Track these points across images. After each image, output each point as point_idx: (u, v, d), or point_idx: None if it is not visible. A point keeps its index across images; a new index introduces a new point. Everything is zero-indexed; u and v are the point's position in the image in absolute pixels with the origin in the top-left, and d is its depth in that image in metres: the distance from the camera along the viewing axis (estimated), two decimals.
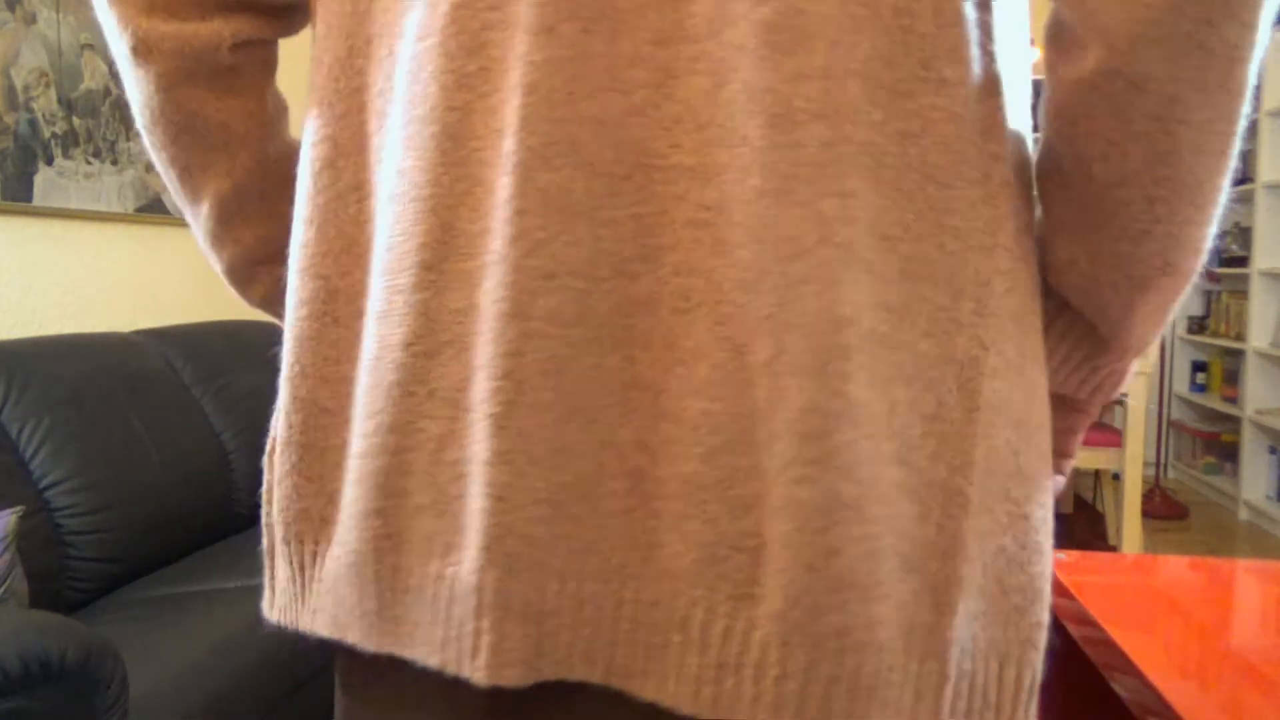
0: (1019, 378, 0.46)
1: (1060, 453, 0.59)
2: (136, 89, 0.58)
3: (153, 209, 2.67)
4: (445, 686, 0.49)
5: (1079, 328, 0.52)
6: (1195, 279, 0.49)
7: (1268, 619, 0.78)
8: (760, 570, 0.42)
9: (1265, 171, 3.90)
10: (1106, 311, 0.50)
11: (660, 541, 0.44)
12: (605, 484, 0.45)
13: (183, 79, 0.57)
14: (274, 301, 0.71)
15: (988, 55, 0.46)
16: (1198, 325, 4.57)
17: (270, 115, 0.64)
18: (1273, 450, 3.92)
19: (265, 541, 0.59)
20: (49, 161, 2.31)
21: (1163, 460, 4.74)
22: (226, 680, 1.53)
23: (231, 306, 3.07)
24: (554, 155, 0.44)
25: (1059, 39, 0.45)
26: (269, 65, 0.63)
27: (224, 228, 0.66)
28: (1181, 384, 4.69)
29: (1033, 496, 0.46)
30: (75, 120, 2.39)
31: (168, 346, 2.43)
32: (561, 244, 0.44)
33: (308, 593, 0.55)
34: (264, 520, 0.58)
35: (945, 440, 0.44)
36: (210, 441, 2.34)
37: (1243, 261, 4.22)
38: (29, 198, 2.25)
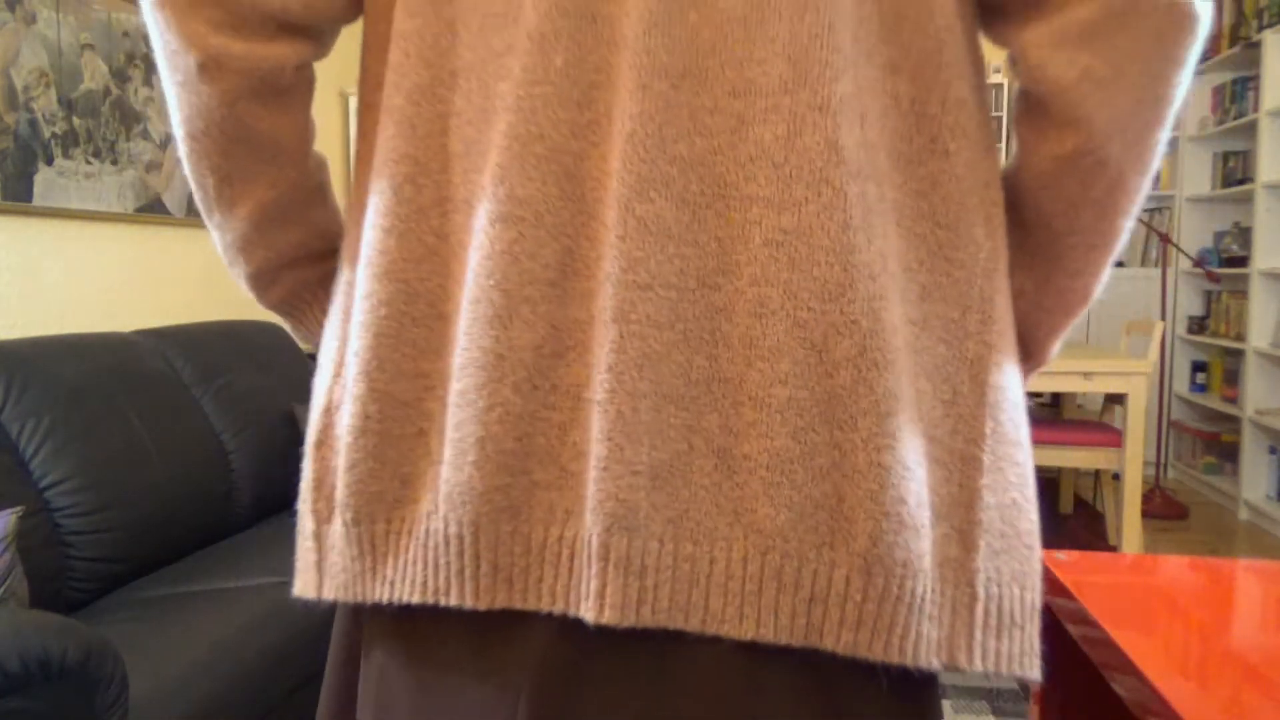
0: (1013, 370, 0.59)
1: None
2: (194, 102, 0.62)
3: (153, 209, 2.67)
4: (477, 649, 0.58)
5: (1043, 297, 0.67)
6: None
7: (1268, 619, 0.78)
8: (841, 520, 0.54)
9: (1265, 171, 3.90)
10: (1036, 332, 0.67)
11: (748, 508, 0.54)
12: (695, 461, 0.55)
13: (246, 95, 0.62)
14: (290, 302, 0.76)
15: (986, 125, 0.60)
16: (1198, 325, 4.57)
17: (311, 132, 0.70)
18: (1273, 450, 3.92)
19: (311, 525, 0.63)
20: (49, 161, 2.31)
21: (1163, 460, 4.74)
22: (226, 680, 1.53)
23: (231, 306, 3.07)
24: (649, 190, 0.54)
25: (1038, 121, 0.59)
26: (312, 86, 0.69)
27: (259, 234, 0.70)
28: (1181, 384, 4.69)
29: (1029, 460, 0.60)
30: (75, 120, 2.39)
31: (168, 346, 2.43)
32: (655, 261, 0.54)
33: (382, 566, 0.59)
34: (309, 507, 0.63)
35: (961, 419, 0.57)
36: (210, 441, 2.34)
37: (1243, 261, 4.22)
38: (29, 198, 2.25)
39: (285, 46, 0.62)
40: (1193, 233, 4.67)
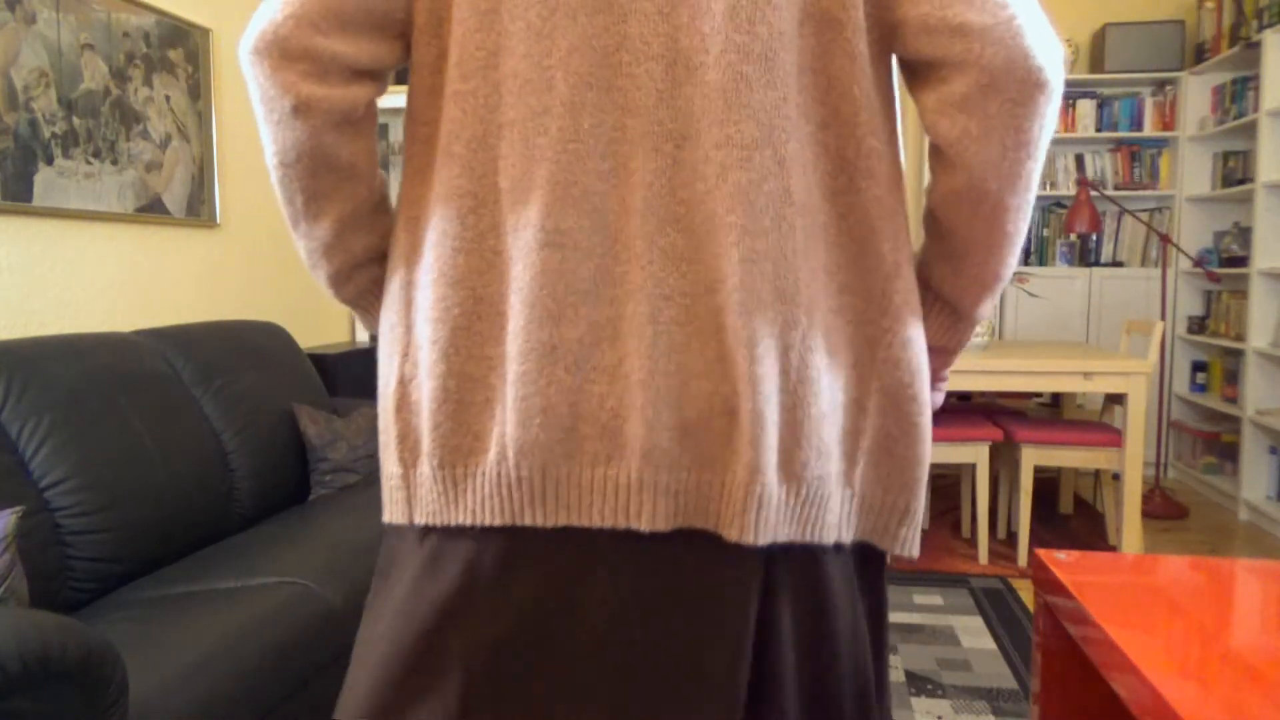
0: (910, 345, 0.83)
1: (938, 378, 0.96)
2: (287, 136, 0.80)
3: (153, 209, 2.67)
4: (541, 554, 0.81)
5: (945, 309, 0.90)
6: (1008, 282, 0.95)
7: (1268, 619, 0.78)
8: (792, 459, 0.79)
9: (1265, 171, 3.90)
10: (961, 303, 0.88)
11: (743, 450, 0.77)
12: (714, 419, 0.78)
13: (329, 129, 0.80)
14: (363, 296, 0.94)
15: (895, 166, 0.82)
16: (1198, 325, 4.57)
17: (377, 155, 0.89)
18: (1273, 450, 3.92)
19: (399, 470, 0.83)
20: (49, 161, 2.31)
21: (1163, 460, 4.74)
22: (226, 680, 1.53)
23: (231, 307, 3.07)
24: (666, 226, 0.78)
25: (936, 162, 0.82)
26: (376, 117, 0.87)
27: (339, 240, 0.88)
28: (1181, 384, 4.69)
29: (920, 409, 0.83)
30: (75, 120, 2.39)
31: (168, 346, 2.43)
32: (673, 279, 0.77)
33: (463, 499, 0.81)
34: (396, 455, 0.83)
35: (860, 378, 0.83)
36: (210, 441, 2.34)
37: (1243, 261, 4.22)
38: (29, 198, 2.25)
39: (359, 89, 0.81)
40: (1193, 233, 4.67)
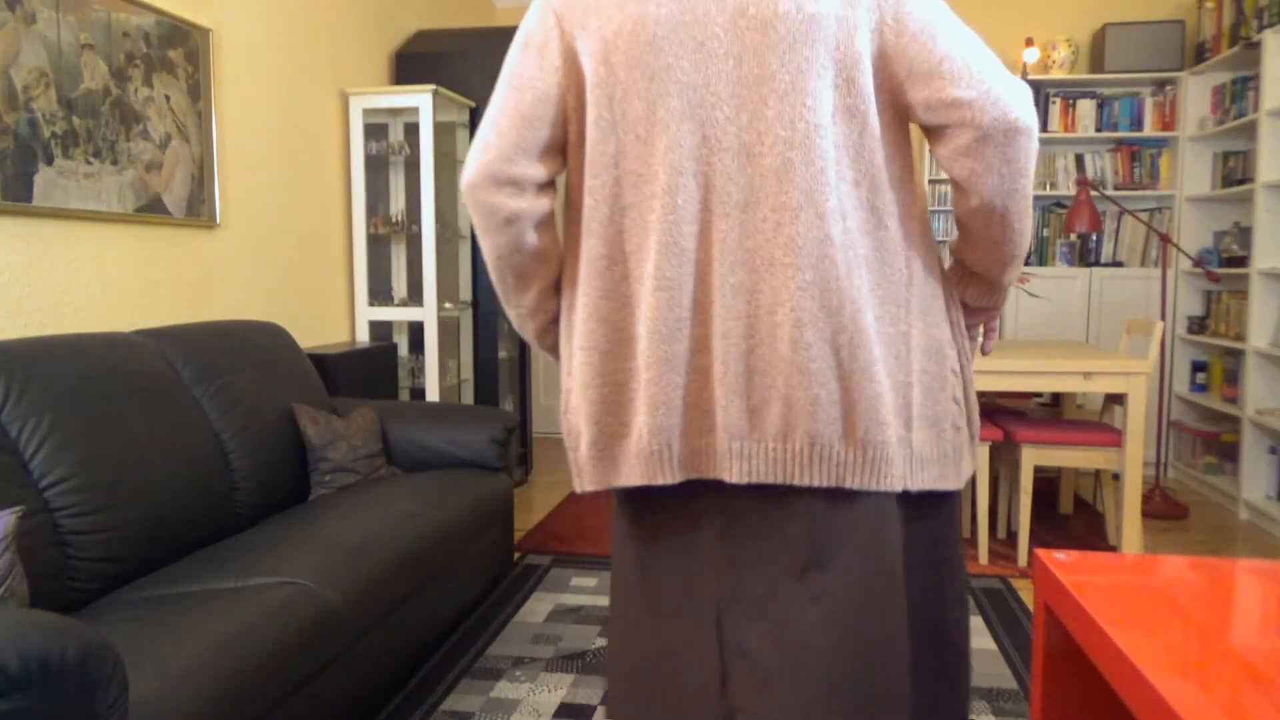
0: (924, 336, 1.16)
1: (990, 328, 1.33)
2: (500, 239, 1.18)
3: (153, 209, 2.67)
4: (680, 499, 1.19)
5: (980, 280, 1.24)
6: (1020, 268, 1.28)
7: (1268, 619, 0.78)
8: (849, 426, 1.11)
9: (1265, 171, 3.89)
10: (991, 273, 1.21)
11: (801, 423, 1.11)
12: (773, 403, 1.11)
13: (530, 229, 1.18)
14: (553, 345, 1.33)
15: (912, 205, 1.15)
16: (1198, 325, 4.57)
17: (560, 243, 1.25)
18: (1273, 450, 3.92)
19: (571, 456, 1.20)
20: (49, 161, 2.31)
21: (1163, 460, 4.73)
22: (226, 680, 1.53)
23: (231, 307, 3.07)
24: (736, 269, 1.10)
25: (957, 191, 1.12)
26: (554, 216, 1.23)
27: (539, 304, 1.26)
28: (1181, 384, 4.69)
29: (946, 386, 1.17)
30: (75, 120, 2.39)
31: (168, 346, 2.43)
32: (740, 305, 1.10)
33: (616, 468, 1.18)
34: (569, 445, 1.21)
35: (900, 364, 1.13)
36: (210, 441, 2.33)
37: (1243, 261, 4.22)
38: (29, 198, 2.25)
39: (545, 198, 1.19)
40: (1193, 233, 4.67)
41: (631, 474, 1.16)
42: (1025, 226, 1.14)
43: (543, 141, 1.16)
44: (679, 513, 1.19)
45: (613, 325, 1.16)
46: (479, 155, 1.16)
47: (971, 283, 1.24)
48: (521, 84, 1.16)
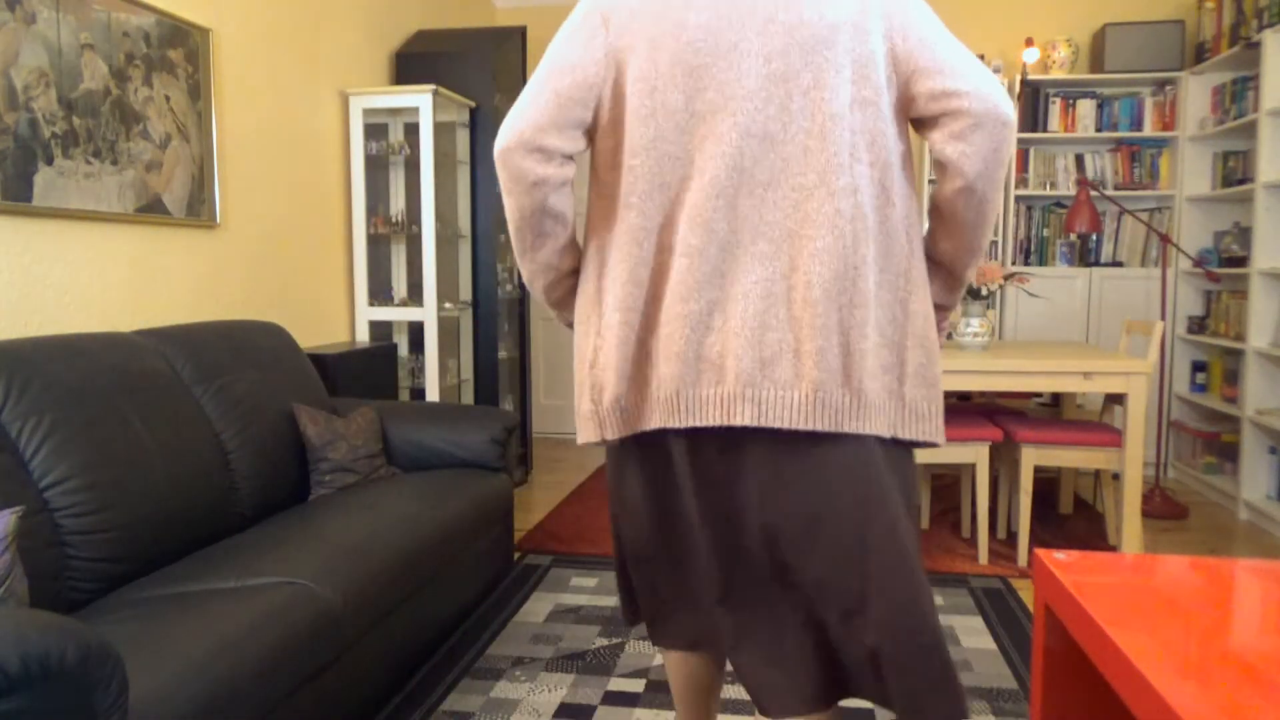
0: (923, 304, 1.30)
1: (941, 327, 1.47)
2: (526, 200, 1.32)
3: (153, 209, 2.67)
4: (673, 449, 1.33)
5: (945, 274, 1.40)
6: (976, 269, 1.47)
7: (1268, 619, 0.78)
8: (848, 376, 1.25)
9: (1265, 171, 3.89)
10: (956, 265, 1.38)
11: (806, 374, 1.24)
12: (784, 355, 1.25)
13: (553, 193, 1.32)
14: (564, 299, 1.47)
15: (911, 186, 1.32)
16: (1198, 325, 4.57)
17: (574, 207, 1.38)
18: (1273, 450, 3.92)
19: (592, 407, 1.34)
20: (49, 161, 2.31)
21: (1163, 460, 4.73)
22: (226, 680, 1.53)
23: (231, 307, 3.07)
24: (759, 239, 1.26)
25: (943, 171, 1.28)
26: (572, 184, 1.37)
27: (557, 260, 1.40)
28: (1181, 384, 4.69)
29: (933, 348, 1.31)
30: (75, 120, 2.39)
31: (168, 346, 2.43)
32: (760, 270, 1.25)
33: (638, 416, 1.32)
34: (590, 396, 1.34)
35: (897, 326, 1.29)
36: (210, 441, 2.33)
37: (1243, 261, 4.22)
38: (29, 198, 2.25)
39: (569, 167, 1.32)
40: (1193, 233, 4.67)
41: (650, 421, 1.31)
42: (993, 217, 1.33)
43: (575, 120, 1.30)
44: (680, 454, 1.33)
45: (646, 290, 1.31)
46: (515, 123, 1.29)
47: (936, 277, 1.42)
48: (564, 67, 1.30)
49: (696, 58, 1.28)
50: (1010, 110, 1.24)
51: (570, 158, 1.32)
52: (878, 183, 1.28)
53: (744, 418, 1.26)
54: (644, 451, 1.37)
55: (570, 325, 1.47)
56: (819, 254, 1.24)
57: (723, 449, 1.30)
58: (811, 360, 1.24)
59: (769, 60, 1.27)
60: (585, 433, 1.35)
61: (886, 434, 1.28)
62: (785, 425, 1.25)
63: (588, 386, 1.34)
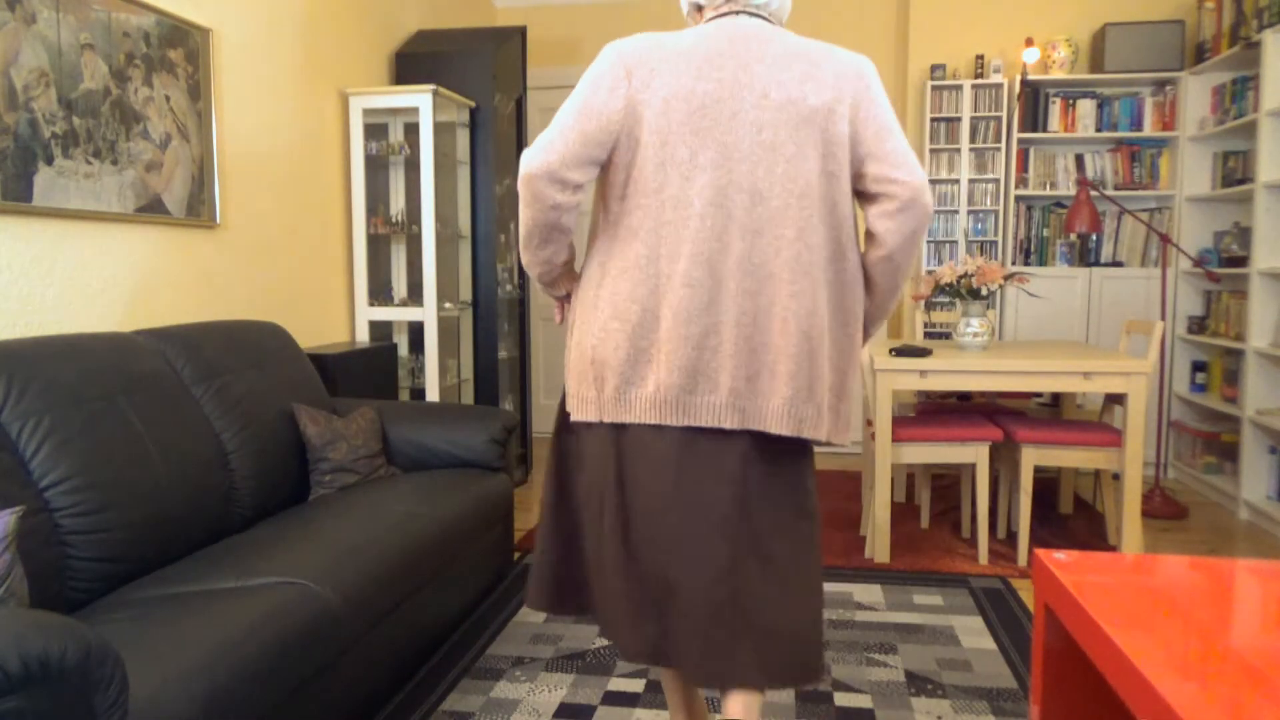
0: (859, 334, 1.64)
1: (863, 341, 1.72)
2: (541, 217, 1.54)
3: (153, 209, 2.67)
4: (654, 435, 1.56)
5: (869, 314, 1.69)
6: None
7: (1268, 619, 0.78)
8: (813, 394, 1.54)
9: (1265, 171, 3.89)
10: (871, 318, 1.70)
11: (781, 389, 1.53)
12: (763, 374, 1.53)
13: (565, 213, 1.54)
14: (554, 283, 1.70)
15: (855, 246, 1.61)
16: (1198, 325, 4.57)
17: (576, 223, 1.84)
18: (1273, 450, 3.92)
19: (595, 394, 1.56)
20: (49, 161, 2.31)
21: (1163, 460, 4.73)
22: (226, 680, 1.53)
23: (231, 306, 3.07)
24: (746, 278, 1.52)
25: (871, 243, 1.60)
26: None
27: (555, 258, 1.63)
28: (1181, 384, 4.69)
29: (858, 369, 1.66)
30: (75, 120, 2.39)
31: (168, 346, 2.43)
32: (749, 305, 1.52)
33: (632, 407, 1.54)
34: (592, 385, 1.56)
35: (842, 354, 1.61)
36: (210, 441, 2.33)
37: (1243, 261, 4.22)
38: (29, 198, 2.25)
39: (581, 194, 1.54)
40: (1193, 233, 4.67)
41: (646, 415, 1.55)
42: (902, 284, 1.66)
43: (593, 158, 1.53)
44: (672, 445, 1.56)
45: (644, 307, 1.54)
46: (543, 154, 1.50)
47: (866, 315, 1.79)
48: (590, 112, 1.51)
49: (702, 121, 1.52)
50: (929, 201, 1.55)
51: (581, 187, 1.54)
52: (835, 240, 1.56)
53: (731, 423, 1.54)
54: (637, 434, 1.57)
55: (555, 297, 1.75)
56: (797, 295, 1.52)
57: (710, 439, 1.56)
58: (785, 379, 1.52)
59: (760, 130, 1.53)
60: (583, 413, 1.59)
61: (823, 439, 1.58)
62: (762, 429, 1.54)
63: (589, 377, 1.58)
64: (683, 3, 1.68)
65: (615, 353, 1.53)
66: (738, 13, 1.59)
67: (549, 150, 1.49)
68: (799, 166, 1.52)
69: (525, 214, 1.56)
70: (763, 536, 1.58)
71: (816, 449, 4.76)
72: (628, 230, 1.55)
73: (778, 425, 1.52)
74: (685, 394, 1.52)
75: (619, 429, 1.58)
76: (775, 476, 1.60)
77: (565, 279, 1.70)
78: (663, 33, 1.59)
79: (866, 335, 1.72)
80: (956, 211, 4.91)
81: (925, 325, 4.75)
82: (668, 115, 1.52)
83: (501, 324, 4.42)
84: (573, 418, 1.60)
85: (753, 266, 1.51)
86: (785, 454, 1.60)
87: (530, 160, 1.50)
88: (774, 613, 1.55)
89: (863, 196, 1.59)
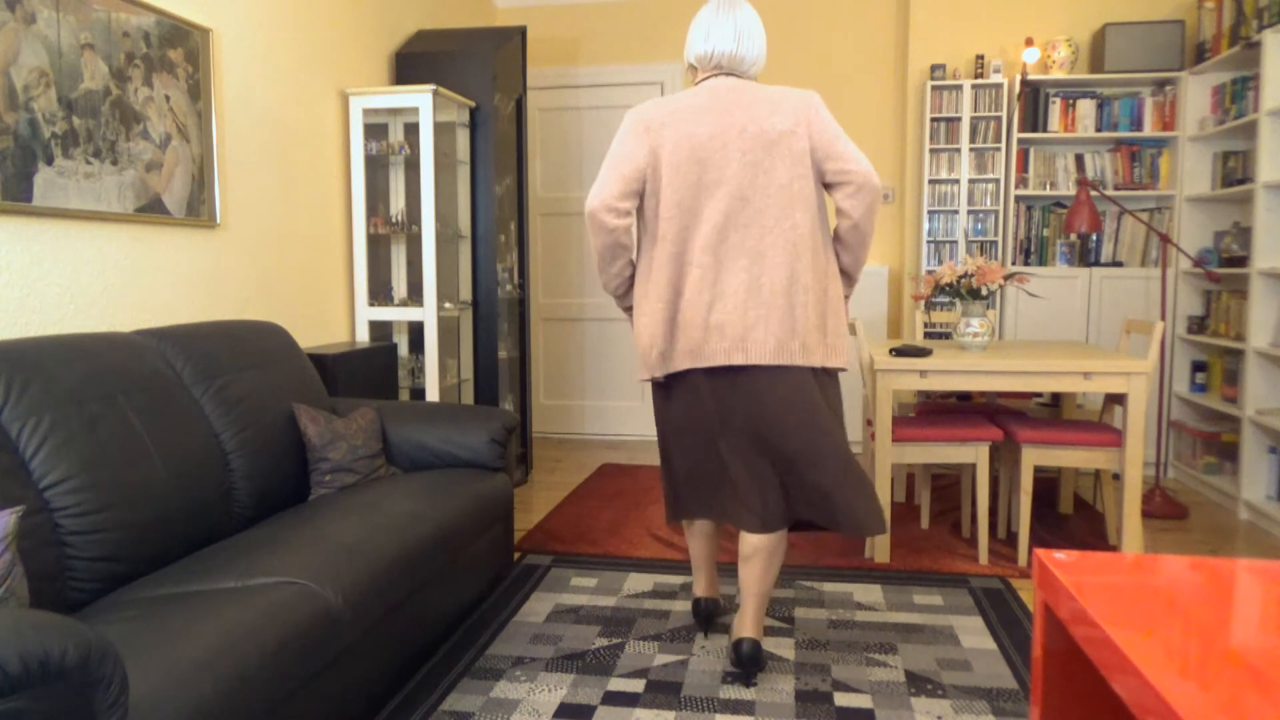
0: (837, 289, 2.33)
1: (845, 301, 2.39)
2: (606, 238, 2.29)
3: (153, 209, 2.67)
4: (697, 379, 2.31)
5: (845, 274, 2.41)
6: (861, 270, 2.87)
7: (1268, 619, 0.78)
8: (797, 333, 2.23)
9: (1265, 171, 3.89)
10: (850, 270, 2.40)
11: (773, 333, 2.23)
12: (758, 325, 2.22)
13: (622, 233, 2.29)
14: (626, 296, 2.43)
15: (827, 226, 2.32)
16: (1198, 325, 4.57)
17: (634, 239, 2.35)
18: (1273, 450, 3.92)
19: (653, 358, 2.31)
20: (49, 161, 2.31)
21: (1163, 460, 4.73)
22: (226, 680, 1.53)
23: (231, 306, 3.07)
24: (741, 257, 2.24)
25: (840, 214, 2.29)
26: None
27: (619, 271, 2.36)
28: (1181, 384, 4.69)
29: (842, 314, 2.32)
30: (75, 120, 2.39)
31: (168, 346, 2.43)
32: (742, 278, 2.23)
33: (672, 362, 2.29)
34: (652, 354, 2.32)
35: (818, 304, 2.27)
36: (210, 441, 2.33)
37: (1243, 261, 4.22)
38: (29, 198, 2.25)
39: (630, 218, 2.28)
40: (1193, 233, 4.67)
41: (682, 364, 2.27)
42: (869, 243, 2.32)
43: (633, 192, 2.26)
44: (700, 381, 2.30)
45: (673, 289, 2.27)
46: (600, 194, 2.24)
47: (842, 276, 2.41)
48: (624, 160, 2.26)
49: (703, 154, 2.24)
50: (878, 182, 2.22)
51: (629, 212, 2.27)
52: (810, 223, 2.24)
53: (738, 360, 2.22)
54: (680, 382, 2.33)
55: (625, 309, 2.48)
56: (777, 266, 2.21)
57: (726, 377, 2.27)
58: (775, 326, 2.21)
59: (745, 154, 2.22)
60: (645, 375, 2.35)
61: (819, 365, 2.25)
62: (762, 363, 2.22)
63: (644, 344, 2.31)
64: (687, 56, 2.38)
65: (659, 327, 2.28)
66: (721, 74, 2.32)
67: (600, 192, 2.24)
68: (772, 176, 2.22)
69: (594, 241, 2.29)
70: (788, 433, 2.25)
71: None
72: (661, 235, 2.27)
73: (772, 358, 2.21)
74: (701, 344, 2.24)
75: (670, 377, 2.34)
76: (799, 391, 2.25)
77: (630, 294, 2.43)
78: (667, 96, 2.37)
79: (852, 281, 2.41)
80: (956, 211, 4.91)
81: (925, 325, 4.75)
82: (677, 153, 2.24)
83: (501, 324, 4.42)
84: (638, 379, 2.62)
85: (745, 250, 2.22)
86: (799, 380, 2.25)
87: (590, 201, 2.24)
88: (817, 473, 2.27)
89: (830, 187, 2.26)
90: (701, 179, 2.20)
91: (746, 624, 2.34)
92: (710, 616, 2.66)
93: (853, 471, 2.26)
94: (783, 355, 2.19)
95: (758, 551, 2.31)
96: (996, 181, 4.86)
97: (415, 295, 4.19)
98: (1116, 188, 4.80)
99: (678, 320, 2.24)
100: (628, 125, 2.26)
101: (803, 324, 2.20)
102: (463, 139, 4.23)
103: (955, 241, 4.93)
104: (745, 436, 2.26)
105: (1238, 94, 4.24)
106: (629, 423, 5.73)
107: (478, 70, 4.16)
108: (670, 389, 2.34)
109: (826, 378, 2.29)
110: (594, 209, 2.21)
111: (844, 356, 2.26)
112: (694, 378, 2.27)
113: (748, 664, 2.32)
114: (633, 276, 2.37)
